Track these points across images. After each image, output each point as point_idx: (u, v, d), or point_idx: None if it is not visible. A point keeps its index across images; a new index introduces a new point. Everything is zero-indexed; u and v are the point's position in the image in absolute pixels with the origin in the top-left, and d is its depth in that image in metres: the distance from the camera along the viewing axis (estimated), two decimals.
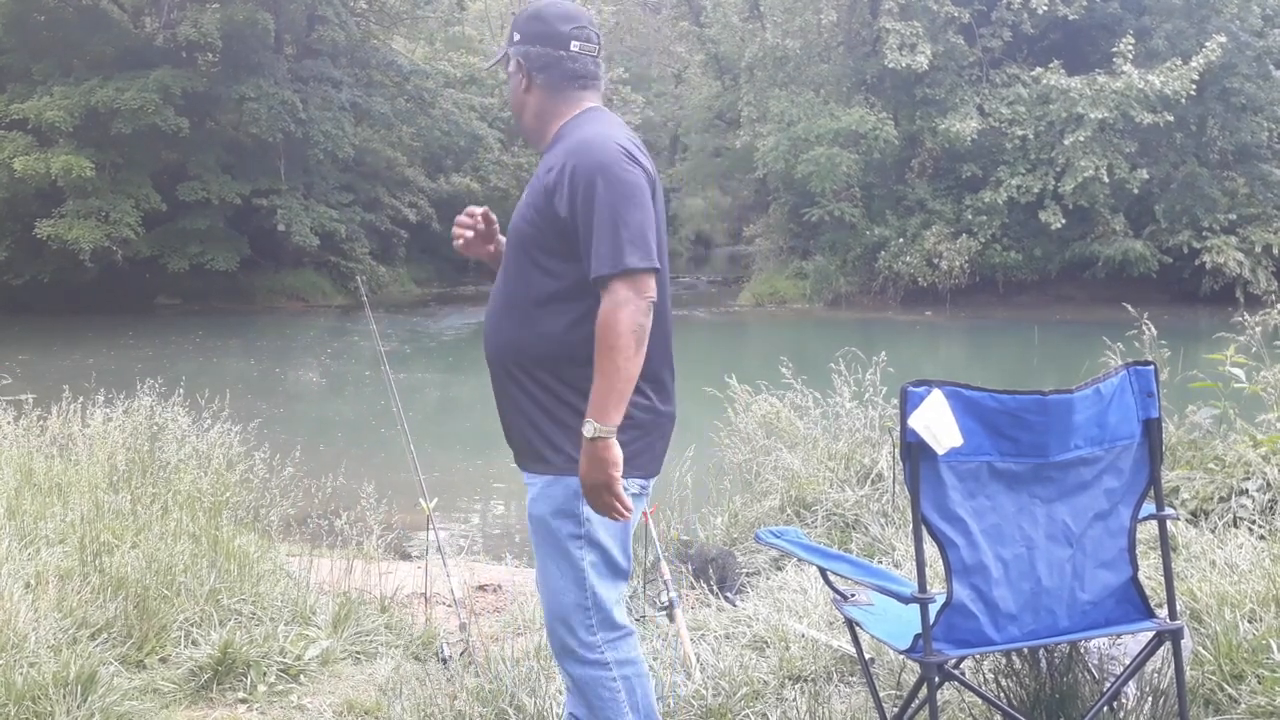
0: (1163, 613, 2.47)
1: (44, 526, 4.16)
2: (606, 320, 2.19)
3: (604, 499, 2.22)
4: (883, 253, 23.47)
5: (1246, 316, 4.97)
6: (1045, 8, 21.95)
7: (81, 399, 5.80)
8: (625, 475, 2.25)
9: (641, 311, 2.20)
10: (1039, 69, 22.60)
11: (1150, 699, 2.59)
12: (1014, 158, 22.80)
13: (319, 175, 25.42)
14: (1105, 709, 2.49)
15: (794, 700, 2.93)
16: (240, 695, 3.28)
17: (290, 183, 24.41)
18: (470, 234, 2.60)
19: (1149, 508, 2.46)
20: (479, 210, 2.62)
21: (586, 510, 2.29)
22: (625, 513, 2.24)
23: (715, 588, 4.19)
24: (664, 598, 3.48)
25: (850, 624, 2.72)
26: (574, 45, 2.41)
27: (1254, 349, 4.68)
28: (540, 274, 2.33)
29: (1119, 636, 2.61)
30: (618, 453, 2.19)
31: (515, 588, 4.80)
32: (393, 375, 4.94)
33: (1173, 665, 2.44)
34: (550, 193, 2.29)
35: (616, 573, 2.37)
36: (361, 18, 27.41)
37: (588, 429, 2.19)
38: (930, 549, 2.33)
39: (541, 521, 2.35)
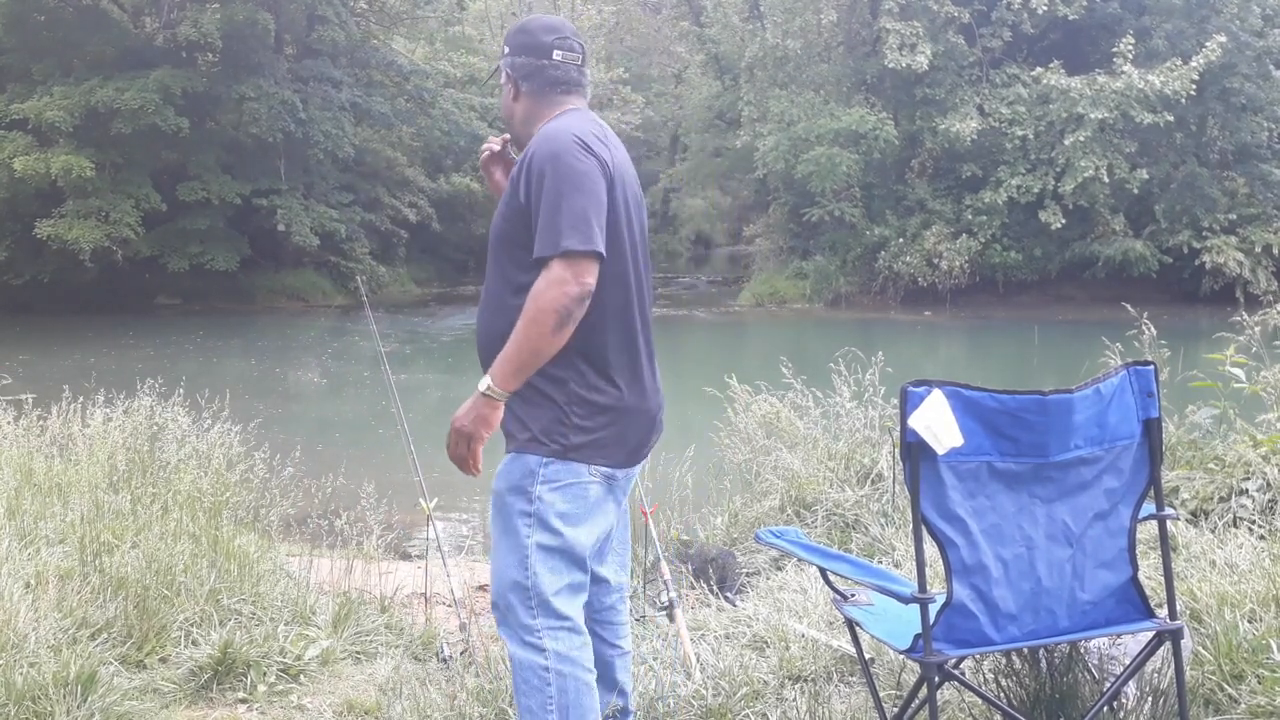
0: (1163, 613, 2.47)
1: (44, 526, 4.16)
2: (534, 293, 2.26)
3: (461, 449, 2.33)
4: (883, 253, 23.49)
5: (1246, 316, 4.97)
6: (1045, 8, 21.96)
7: (82, 399, 5.80)
8: (588, 460, 2.36)
9: (571, 296, 2.25)
10: (1039, 69, 22.61)
11: (1150, 699, 2.59)
12: (1014, 158, 22.82)
13: (319, 175, 25.43)
14: (1105, 709, 2.49)
15: (794, 700, 2.93)
16: (240, 695, 3.28)
17: (290, 183, 24.42)
18: (497, 147, 2.78)
19: (1149, 507, 2.46)
20: (502, 136, 2.80)
21: (539, 490, 2.35)
22: (474, 470, 2.35)
23: (715, 588, 4.19)
24: (664, 598, 3.48)
25: (850, 624, 2.72)
26: (556, 54, 2.54)
27: (1254, 349, 4.68)
28: (513, 265, 2.41)
29: (1119, 636, 2.61)
30: (498, 418, 2.32)
31: None
32: (393, 375, 4.94)
33: (1173, 665, 2.44)
34: (515, 183, 2.40)
35: (570, 561, 2.38)
36: (361, 18, 27.43)
37: (482, 384, 2.30)
38: (930, 549, 2.33)
39: (497, 495, 2.42)
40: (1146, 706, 2.58)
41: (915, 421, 2.25)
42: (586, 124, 2.44)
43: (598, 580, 2.57)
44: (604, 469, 2.40)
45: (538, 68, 2.53)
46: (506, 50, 2.60)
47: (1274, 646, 2.69)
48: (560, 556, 2.37)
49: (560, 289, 2.24)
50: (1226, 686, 2.68)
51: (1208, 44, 21.09)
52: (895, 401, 2.63)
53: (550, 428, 2.35)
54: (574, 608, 2.39)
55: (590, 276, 2.27)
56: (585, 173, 2.32)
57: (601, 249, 2.29)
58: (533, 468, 2.35)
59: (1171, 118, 21.38)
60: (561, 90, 2.54)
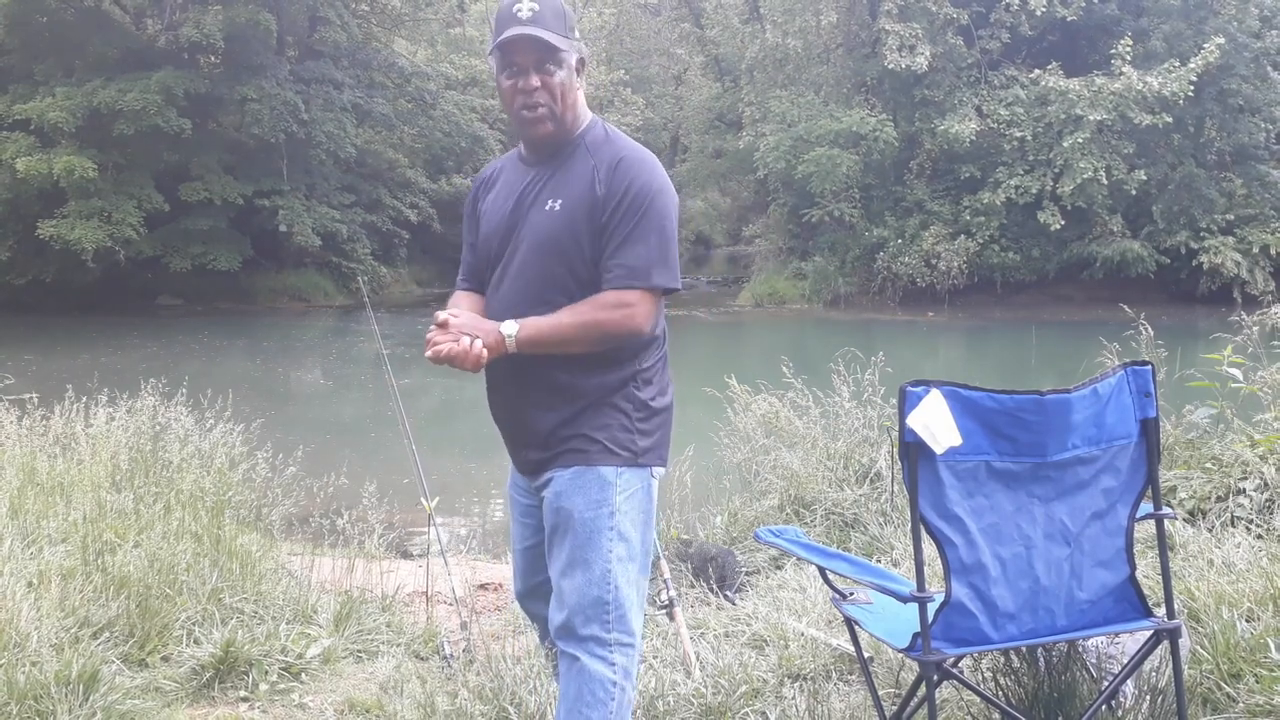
0: (1160, 612, 2.48)
1: (47, 525, 4.16)
2: (603, 303, 2.25)
3: (444, 349, 2.22)
4: (881, 253, 23.50)
5: (1244, 316, 4.99)
6: (1044, 9, 21.96)
7: (85, 399, 5.81)
8: (649, 465, 2.37)
9: (632, 329, 2.26)
10: (1037, 70, 22.63)
11: (1148, 698, 2.60)
12: (1012, 159, 22.83)
13: (321, 176, 25.44)
14: (1103, 708, 2.51)
15: (793, 698, 2.94)
16: (242, 694, 3.29)
17: (292, 183, 24.44)
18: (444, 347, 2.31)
19: (1147, 507, 2.47)
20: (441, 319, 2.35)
21: (618, 501, 2.31)
22: (430, 352, 2.23)
23: (715, 586, 4.20)
24: (664, 596, 3.49)
25: (849, 622, 2.74)
26: None
27: (1251, 349, 4.69)
28: (570, 277, 2.32)
29: (1117, 635, 2.62)
30: (499, 350, 2.24)
31: None
32: (394, 375, 4.95)
33: (1171, 664, 2.45)
34: (603, 197, 2.30)
35: (642, 569, 2.37)
36: (363, 19, 27.46)
37: (507, 327, 2.24)
38: (929, 548, 2.34)
39: (570, 514, 2.32)
40: (1144, 705, 2.59)
41: (914, 421, 2.26)
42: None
43: None
44: (661, 469, 2.42)
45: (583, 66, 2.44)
46: (575, 34, 2.42)
47: (1271, 645, 2.71)
48: (635, 565, 2.35)
49: (627, 318, 2.25)
50: (1224, 685, 2.69)
51: (1206, 45, 21.10)
52: (894, 401, 2.64)
53: (618, 436, 2.33)
54: (641, 621, 2.37)
55: (654, 317, 2.31)
56: (676, 209, 2.34)
57: (680, 287, 2.34)
58: (608, 479, 2.32)
59: (1169, 119, 21.39)
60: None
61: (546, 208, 2.36)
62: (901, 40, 22.27)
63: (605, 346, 2.29)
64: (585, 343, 2.27)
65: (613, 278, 2.26)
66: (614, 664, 2.30)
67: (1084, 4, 22.53)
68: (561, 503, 2.33)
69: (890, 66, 22.32)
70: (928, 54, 22.04)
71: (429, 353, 2.26)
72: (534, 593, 2.57)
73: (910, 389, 2.29)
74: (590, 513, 2.31)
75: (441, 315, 2.28)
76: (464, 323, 2.27)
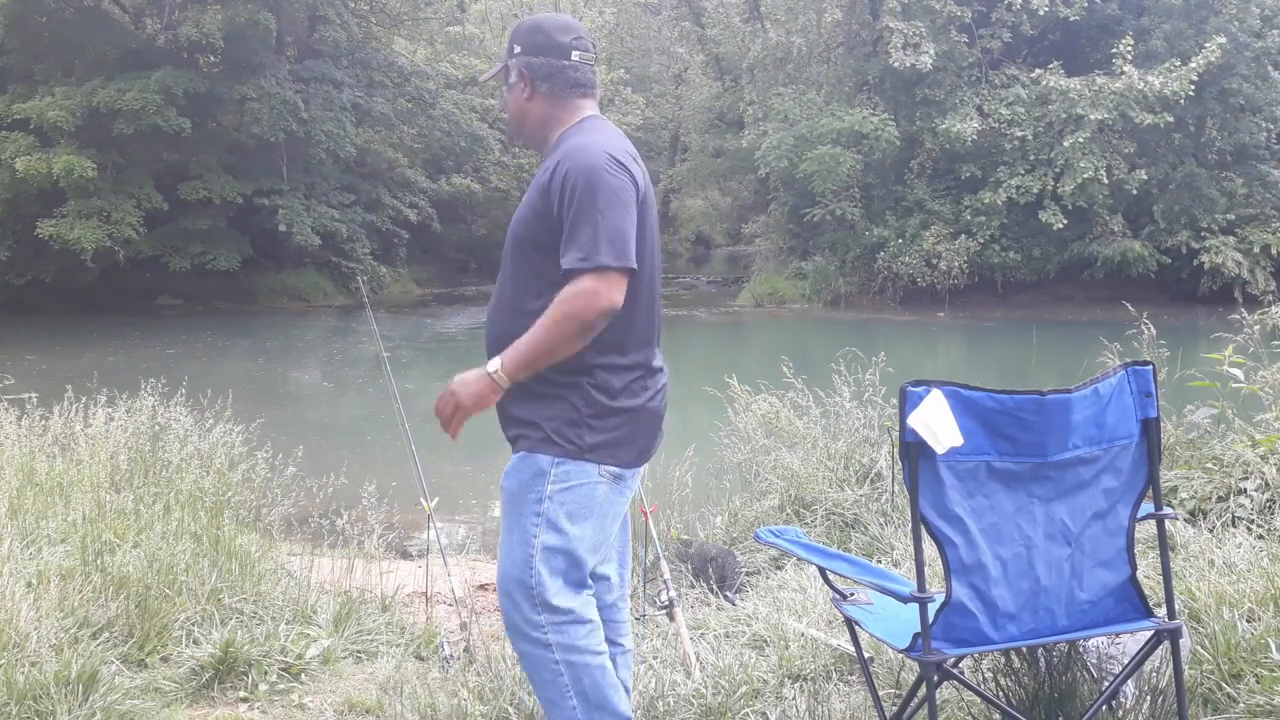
0: (1161, 612, 2.47)
1: (46, 526, 4.16)
2: (562, 299, 2.29)
3: (448, 411, 2.38)
4: (882, 253, 23.50)
5: (1245, 315, 4.98)
6: (1046, 8, 21.96)
7: (84, 399, 5.81)
8: (600, 461, 2.39)
9: (598, 310, 2.28)
10: (1038, 70, 22.63)
11: (1149, 698, 2.59)
12: (1013, 158, 22.83)
13: (320, 175, 25.45)
14: (1104, 708, 2.50)
15: (793, 699, 2.94)
16: (241, 694, 3.29)
17: (292, 183, 24.45)
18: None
19: (1147, 507, 2.47)
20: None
21: (549, 489, 2.37)
22: (451, 434, 2.40)
23: (715, 587, 4.20)
24: (664, 597, 3.49)
25: (849, 623, 2.73)
26: (574, 55, 2.52)
27: (1252, 349, 4.69)
28: (532, 271, 2.42)
29: (1117, 636, 2.62)
30: (493, 401, 2.38)
31: None
32: (394, 375, 4.95)
33: (1171, 664, 2.44)
34: (545, 191, 2.39)
35: (572, 561, 2.41)
36: (363, 19, 27.46)
37: (491, 365, 2.35)
38: (929, 548, 2.34)
39: (507, 493, 2.45)
40: (1145, 705, 2.59)
41: (915, 421, 2.25)
42: (616, 139, 2.46)
43: (600, 578, 2.59)
44: (613, 469, 2.42)
45: (558, 69, 2.51)
46: (518, 49, 2.54)
47: (1272, 645, 2.70)
48: (563, 557, 2.40)
49: (590, 301, 2.27)
50: (1225, 685, 2.68)
51: (1207, 45, 21.10)
52: (894, 401, 2.63)
53: (563, 428, 2.38)
54: (575, 601, 2.42)
55: (619, 293, 2.31)
56: (619, 189, 2.34)
57: (634, 265, 2.33)
58: (544, 468, 2.38)
59: (1170, 118, 21.39)
60: (580, 93, 2.54)
61: (520, 207, 2.50)
62: (905, 39, 22.26)
63: (589, 335, 2.32)
64: (568, 339, 2.31)
65: (567, 269, 2.30)
66: (548, 643, 2.39)
67: (1086, 3, 22.53)
68: (503, 481, 2.46)
69: (896, 65, 22.30)
70: (932, 52, 22.03)
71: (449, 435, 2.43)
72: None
73: (911, 389, 2.28)
74: (519, 495, 2.41)
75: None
76: (452, 387, 2.39)
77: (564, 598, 2.40)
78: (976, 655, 2.76)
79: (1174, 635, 2.40)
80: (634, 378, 2.44)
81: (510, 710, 2.94)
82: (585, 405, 2.38)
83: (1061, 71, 22.20)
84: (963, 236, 22.98)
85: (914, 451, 2.27)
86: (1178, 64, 21.31)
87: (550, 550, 2.39)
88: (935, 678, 2.31)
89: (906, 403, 2.28)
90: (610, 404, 2.39)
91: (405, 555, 5.77)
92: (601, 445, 2.38)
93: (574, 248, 2.30)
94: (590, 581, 2.49)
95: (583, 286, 2.27)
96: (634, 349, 2.44)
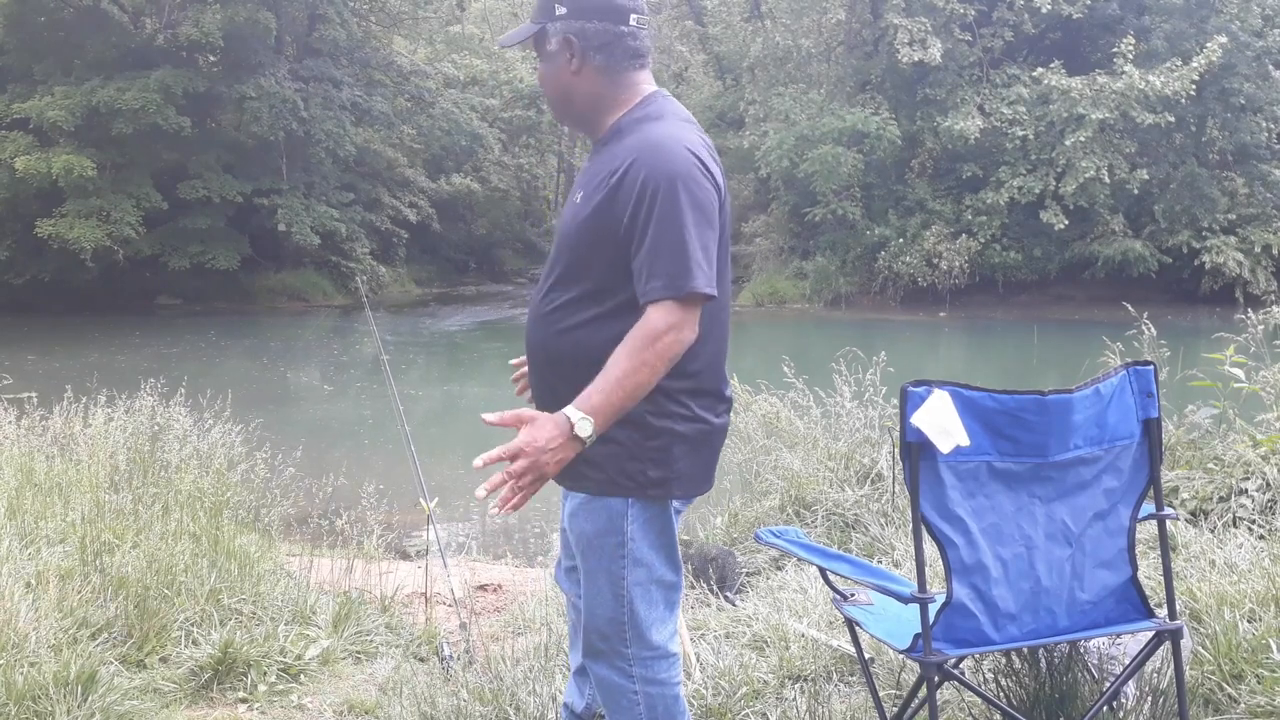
0: (1162, 612, 2.47)
1: (45, 526, 4.16)
2: (650, 334, 2.00)
3: (526, 479, 1.97)
4: (883, 253, 23.51)
5: (1247, 315, 4.98)
6: (1049, 6, 21.96)
7: (84, 399, 5.80)
8: (669, 496, 2.19)
9: (685, 343, 2.04)
10: (1039, 69, 22.62)
11: (1150, 699, 2.59)
12: (1014, 158, 22.85)
13: (320, 175, 25.47)
14: (1105, 709, 2.50)
15: (794, 700, 2.93)
16: (240, 695, 3.28)
17: (291, 182, 24.47)
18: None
19: (1148, 507, 2.46)
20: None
21: (631, 529, 2.20)
22: (512, 507, 2.02)
23: (715, 587, 4.19)
24: None
25: (850, 623, 2.73)
26: (633, 19, 2.15)
27: (1253, 348, 4.68)
28: (586, 277, 2.15)
29: (1118, 636, 2.61)
30: (565, 460, 2.00)
31: (515, 587, 4.80)
32: (393, 376, 4.95)
33: (1172, 665, 2.44)
34: (613, 196, 2.08)
35: (665, 588, 2.28)
36: (362, 18, 27.47)
37: (581, 427, 1.97)
38: (930, 549, 2.33)
39: (584, 538, 2.24)
40: (1146, 706, 2.58)
41: (923, 420, 2.24)
42: (691, 131, 2.14)
43: None
44: (683, 500, 2.28)
45: (615, 36, 2.13)
46: (562, 10, 2.13)
47: (1273, 646, 2.70)
48: (656, 587, 2.27)
49: (678, 335, 2.01)
50: (1226, 686, 2.68)
51: (1208, 44, 21.11)
52: (895, 401, 2.63)
53: (626, 466, 2.15)
54: (665, 635, 2.29)
55: (697, 319, 2.05)
56: (707, 204, 2.05)
57: (715, 292, 2.05)
58: (618, 509, 2.18)
59: (1171, 118, 21.41)
60: (638, 65, 2.18)
61: (575, 200, 2.19)
62: (911, 35, 22.26)
63: (667, 369, 2.05)
64: (656, 377, 2.03)
65: (645, 291, 2.03)
66: (632, 675, 2.27)
67: (1088, 2, 22.53)
68: (575, 525, 2.25)
69: (903, 60, 22.27)
70: (939, 46, 22.02)
71: (503, 511, 2.02)
72: (570, 574, 2.50)
73: (912, 389, 2.27)
74: (599, 540, 2.21)
75: (492, 418, 2.04)
76: (524, 448, 1.97)
77: (659, 630, 2.27)
78: (977, 656, 2.75)
79: (1175, 636, 2.39)
80: (702, 407, 2.22)
81: (510, 711, 2.94)
82: (642, 438, 2.15)
83: (1063, 71, 22.20)
84: (964, 236, 22.99)
85: (915, 451, 2.26)
86: (1179, 63, 21.31)
87: (642, 586, 2.23)
88: (936, 678, 2.30)
89: (907, 403, 2.27)
90: (673, 430, 2.16)
91: (404, 556, 5.77)
92: (669, 480, 2.17)
93: (657, 273, 2.01)
94: (678, 606, 2.37)
95: (671, 318, 2.00)
96: (706, 378, 2.23)
